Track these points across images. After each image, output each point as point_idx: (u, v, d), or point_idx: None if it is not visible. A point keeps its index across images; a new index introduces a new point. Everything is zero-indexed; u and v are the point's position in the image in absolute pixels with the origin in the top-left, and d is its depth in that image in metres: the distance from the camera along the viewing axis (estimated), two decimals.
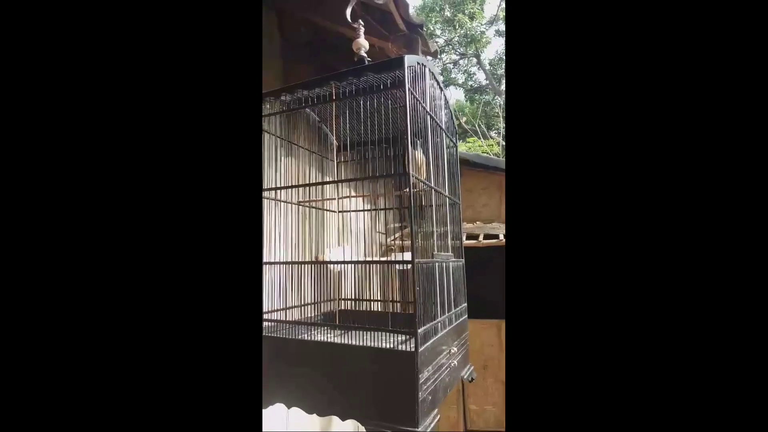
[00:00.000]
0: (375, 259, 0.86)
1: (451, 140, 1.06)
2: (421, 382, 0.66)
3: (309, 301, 0.94)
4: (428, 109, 0.85)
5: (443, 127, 0.97)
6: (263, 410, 0.79)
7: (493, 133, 8.43)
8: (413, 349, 0.67)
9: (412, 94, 0.75)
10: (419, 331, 0.68)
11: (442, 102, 1.00)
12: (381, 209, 0.99)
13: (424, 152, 0.86)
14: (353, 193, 1.21)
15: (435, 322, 0.77)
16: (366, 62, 0.95)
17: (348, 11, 1.08)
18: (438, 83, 0.96)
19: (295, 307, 0.91)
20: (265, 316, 0.85)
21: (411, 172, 0.70)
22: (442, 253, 0.89)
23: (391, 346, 0.72)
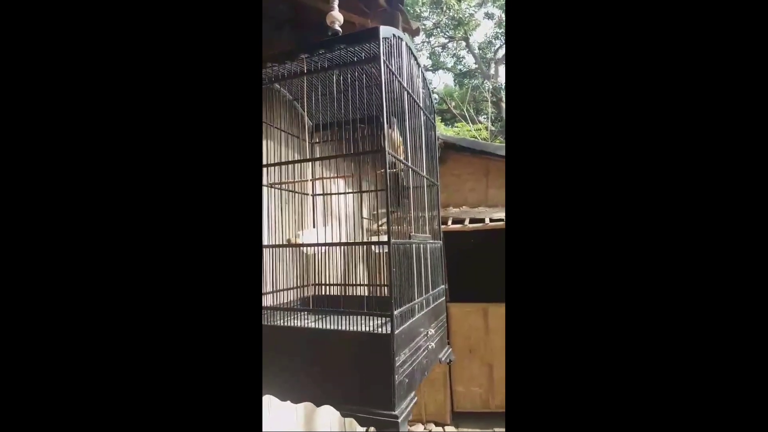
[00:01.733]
0: (351, 241, 0.83)
1: (429, 119, 1.03)
2: (397, 365, 0.65)
3: (283, 287, 0.92)
4: (405, 86, 0.82)
5: (420, 105, 0.94)
6: None
7: (481, 118, 8.39)
8: (389, 332, 0.65)
9: (388, 68, 0.72)
10: (395, 312, 0.66)
11: (420, 79, 0.96)
12: (363, 191, 0.96)
13: (401, 131, 0.83)
14: (331, 174, 1.17)
15: (411, 303, 0.76)
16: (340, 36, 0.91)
17: None
18: (416, 59, 0.93)
19: (267, 293, 0.89)
20: None
21: (388, 149, 0.67)
22: (420, 235, 0.87)
23: (369, 329, 0.70)
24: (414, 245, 0.80)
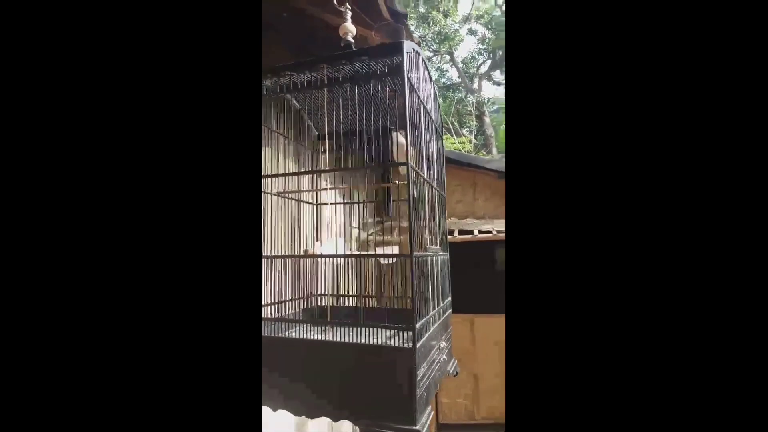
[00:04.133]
0: (366, 252, 0.83)
1: (439, 131, 1.04)
2: (418, 378, 0.64)
3: (295, 297, 0.90)
4: (422, 98, 0.83)
5: (432, 117, 0.95)
6: None
7: (464, 131, 8.55)
8: (410, 345, 0.65)
9: (410, 81, 0.72)
10: (417, 326, 0.66)
11: (432, 93, 0.98)
12: (371, 201, 0.96)
13: (416, 143, 0.84)
14: (332, 185, 1.17)
15: (428, 316, 0.76)
16: (353, 47, 0.91)
17: None
18: (429, 73, 0.94)
19: (278, 303, 0.87)
20: None
21: (409, 163, 0.67)
22: (432, 247, 0.87)
23: (381, 342, 0.69)
24: (429, 257, 0.80)
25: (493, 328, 2.96)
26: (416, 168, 0.72)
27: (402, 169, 0.70)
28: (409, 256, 0.68)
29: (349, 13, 0.95)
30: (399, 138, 0.80)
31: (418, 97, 0.80)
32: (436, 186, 0.93)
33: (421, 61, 0.85)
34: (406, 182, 0.69)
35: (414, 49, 0.79)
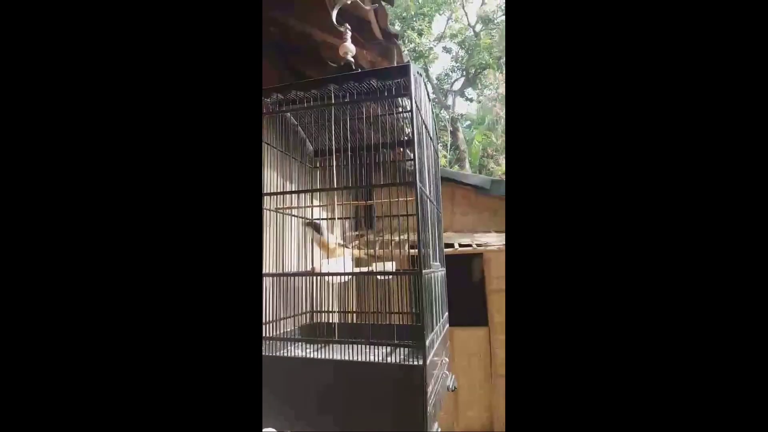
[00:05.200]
0: (374, 270, 0.83)
1: (436, 150, 1.07)
2: (427, 396, 0.65)
3: (296, 313, 0.89)
4: (423, 118, 0.85)
5: (431, 136, 0.98)
6: None
7: (439, 146, 8.71)
8: (419, 362, 0.65)
9: (414, 102, 0.75)
10: (427, 342, 0.66)
11: (431, 112, 1.01)
12: (396, 215, 0.96)
13: (419, 161, 0.86)
14: (321, 202, 1.17)
15: (434, 332, 0.76)
16: (352, 66, 0.93)
17: (333, 15, 1.06)
18: (428, 94, 0.97)
19: (280, 319, 0.85)
20: None
21: (418, 181, 0.69)
22: (434, 263, 0.88)
23: (378, 359, 0.70)
24: (433, 273, 0.82)
25: (470, 340, 2.99)
26: (421, 187, 0.74)
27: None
28: (417, 272, 0.69)
29: (349, 33, 0.97)
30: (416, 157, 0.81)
31: (422, 117, 0.82)
32: (435, 203, 0.95)
33: (422, 81, 0.87)
34: (411, 199, 0.70)
35: (417, 71, 0.82)
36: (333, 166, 0.92)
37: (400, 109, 0.93)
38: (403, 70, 0.74)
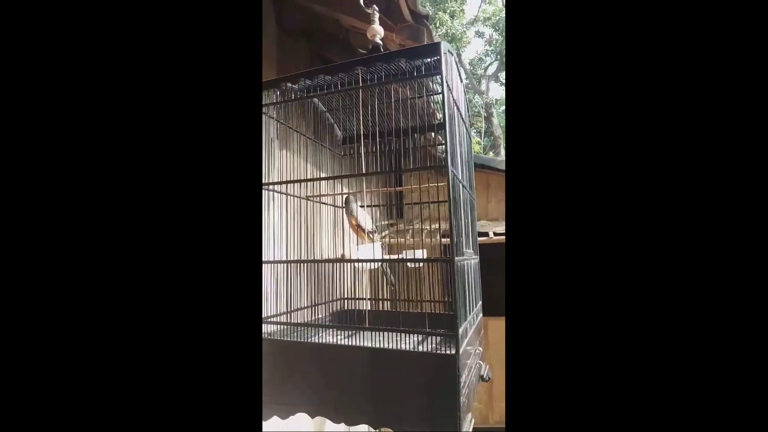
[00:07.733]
0: (405, 257, 0.82)
1: (468, 133, 1.03)
2: (461, 386, 0.63)
3: (323, 301, 0.89)
4: (455, 99, 0.81)
5: (464, 118, 0.94)
6: (285, 420, 0.73)
7: (473, 132, 8.52)
8: (452, 351, 0.63)
9: (446, 83, 0.71)
10: (459, 331, 0.64)
11: (462, 94, 0.97)
12: (418, 203, 0.94)
13: (450, 144, 0.82)
14: (351, 189, 1.16)
15: (467, 321, 0.74)
16: (381, 49, 0.91)
17: None
18: (460, 74, 0.93)
19: (306, 307, 0.86)
20: (281, 318, 0.79)
21: (450, 164, 0.66)
22: (467, 251, 0.85)
23: (411, 348, 0.68)
24: (466, 261, 0.79)
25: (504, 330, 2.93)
26: (454, 171, 0.71)
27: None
28: (450, 260, 0.66)
29: (377, 15, 0.94)
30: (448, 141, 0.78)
31: (453, 98, 0.79)
32: (468, 188, 0.92)
33: (454, 61, 0.83)
34: (443, 185, 0.68)
35: (448, 50, 0.78)
36: (362, 153, 0.90)
37: (431, 92, 0.90)
38: (434, 49, 0.70)
